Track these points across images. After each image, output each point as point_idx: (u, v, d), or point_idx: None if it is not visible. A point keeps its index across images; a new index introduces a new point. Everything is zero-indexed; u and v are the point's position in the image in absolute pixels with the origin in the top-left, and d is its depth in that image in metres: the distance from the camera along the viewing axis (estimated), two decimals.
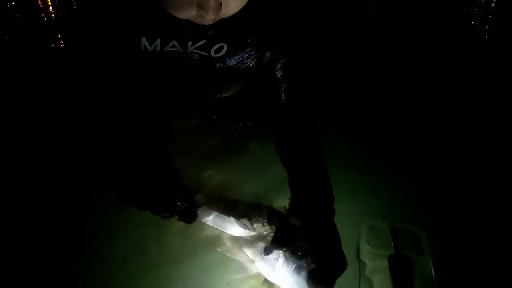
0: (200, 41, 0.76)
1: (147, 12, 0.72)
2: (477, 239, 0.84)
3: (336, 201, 0.73)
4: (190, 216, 0.73)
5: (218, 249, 0.75)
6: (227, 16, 0.64)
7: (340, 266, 0.66)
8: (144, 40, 0.74)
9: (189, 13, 0.61)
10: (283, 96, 0.84)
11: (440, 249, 0.79)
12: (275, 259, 0.68)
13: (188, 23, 0.65)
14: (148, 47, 0.75)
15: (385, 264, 0.76)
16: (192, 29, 0.74)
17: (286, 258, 0.67)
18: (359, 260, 0.77)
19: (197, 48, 0.77)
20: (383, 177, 0.97)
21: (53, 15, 1.13)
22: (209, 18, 0.61)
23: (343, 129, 1.10)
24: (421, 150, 1.08)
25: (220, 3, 0.59)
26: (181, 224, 0.72)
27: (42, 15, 1.17)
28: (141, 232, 0.81)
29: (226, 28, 0.75)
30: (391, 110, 1.24)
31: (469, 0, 1.85)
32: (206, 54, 0.78)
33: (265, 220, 0.75)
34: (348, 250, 0.68)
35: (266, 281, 0.70)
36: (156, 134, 0.80)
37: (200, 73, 0.82)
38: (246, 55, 0.82)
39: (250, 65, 0.83)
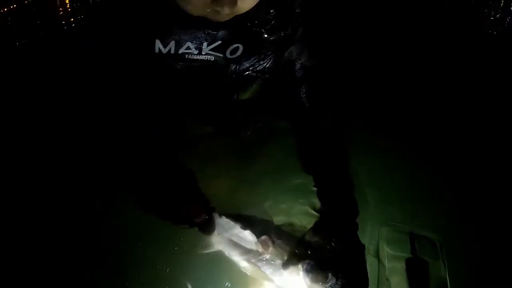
0: (215, 42, 0.75)
1: (160, 13, 0.70)
2: (493, 247, 0.84)
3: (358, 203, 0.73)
4: (209, 228, 0.74)
5: (237, 264, 0.73)
6: (242, 11, 0.63)
7: (363, 284, 0.67)
8: (158, 42, 0.73)
9: (204, 9, 0.60)
10: (304, 98, 0.83)
11: (455, 255, 0.79)
12: (295, 274, 0.67)
13: (202, 21, 0.64)
14: (163, 49, 0.73)
15: (402, 266, 0.77)
16: (207, 29, 0.73)
17: (307, 273, 0.66)
18: (378, 260, 0.78)
19: (212, 49, 0.75)
20: (405, 183, 0.95)
21: (72, 18, 1.10)
22: (225, 13, 0.60)
23: (361, 132, 1.07)
24: (444, 158, 1.05)
25: None
26: (192, 237, 0.73)
27: (61, 14, 1.13)
28: (151, 240, 0.78)
29: (240, 27, 0.74)
30: (407, 113, 1.18)
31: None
32: (222, 56, 0.77)
33: (284, 238, 0.74)
34: (368, 250, 0.69)
35: None
36: (168, 140, 0.79)
37: (216, 75, 0.80)
38: (263, 55, 0.80)
39: (267, 66, 0.81)
